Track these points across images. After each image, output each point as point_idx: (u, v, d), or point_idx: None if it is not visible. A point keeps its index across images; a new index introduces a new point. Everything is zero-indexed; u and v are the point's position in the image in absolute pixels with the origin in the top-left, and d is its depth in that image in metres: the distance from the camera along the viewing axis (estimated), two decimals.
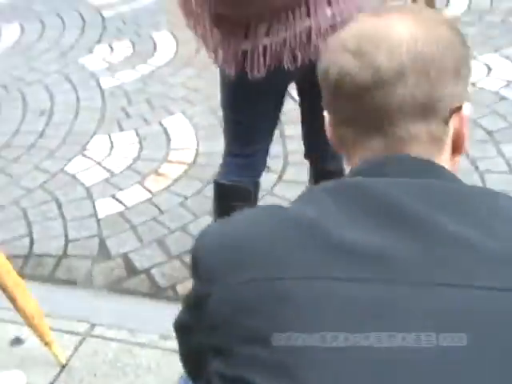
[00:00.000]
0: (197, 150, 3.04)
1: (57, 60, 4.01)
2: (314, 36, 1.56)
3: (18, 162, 3.07)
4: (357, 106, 0.75)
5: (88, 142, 3.18)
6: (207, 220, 2.58)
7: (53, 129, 3.32)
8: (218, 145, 3.03)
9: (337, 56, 0.75)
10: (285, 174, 2.81)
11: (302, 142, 3.02)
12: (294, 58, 1.58)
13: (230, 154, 1.95)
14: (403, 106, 0.73)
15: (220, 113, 3.20)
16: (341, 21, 1.56)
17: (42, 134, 3.28)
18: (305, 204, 0.76)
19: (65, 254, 2.53)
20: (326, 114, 0.82)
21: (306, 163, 2.82)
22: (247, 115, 1.78)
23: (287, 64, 1.58)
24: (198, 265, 0.78)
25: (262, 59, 1.58)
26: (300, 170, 2.80)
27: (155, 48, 4.04)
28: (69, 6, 4.77)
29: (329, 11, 1.57)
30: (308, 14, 1.55)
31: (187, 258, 2.45)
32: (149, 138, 3.16)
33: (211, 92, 3.47)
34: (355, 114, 0.76)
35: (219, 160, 2.93)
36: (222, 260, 0.75)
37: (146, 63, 3.87)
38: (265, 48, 1.58)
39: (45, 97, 3.61)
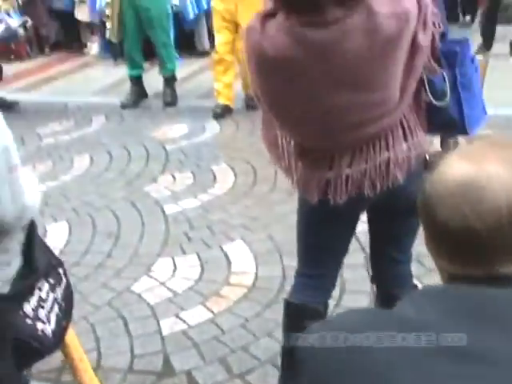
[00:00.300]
0: (256, 274, 3.19)
1: (123, 188, 4.31)
2: (392, 166, 1.75)
3: (87, 280, 3.25)
4: (466, 246, 0.85)
5: (153, 263, 3.36)
6: (268, 341, 2.69)
7: (119, 250, 3.53)
8: (276, 270, 3.22)
9: (447, 204, 0.85)
10: (342, 300, 2.92)
11: (357, 271, 3.16)
12: (374, 185, 1.77)
13: (301, 274, 2.09)
14: (507, 247, 0.84)
15: (277, 238, 3.44)
16: (415, 153, 1.78)
17: (109, 255, 3.48)
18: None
19: (131, 369, 2.63)
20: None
21: (363, 291, 2.95)
22: (323, 238, 1.94)
23: (367, 191, 1.77)
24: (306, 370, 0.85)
25: (344, 187, 1.77)
26: (356, 298, 2.92)
27: (215, 179, 4.32)
28: (134, 139, 5.18)
29: (404, 145, 1.77)
30: (387, 148, 1.75)
31: (249, 377, 2.53)
32: (210, 262, 3.33)
33: (268, 221, 3.70)
34: (461, 250, 0.87)
35: (277, 284, 3.10)
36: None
37: (207, 192, 4.13)
38: (347, 177, 1.77)
39: (112, 221, 3.85)
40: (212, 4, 5.46)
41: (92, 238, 3.67)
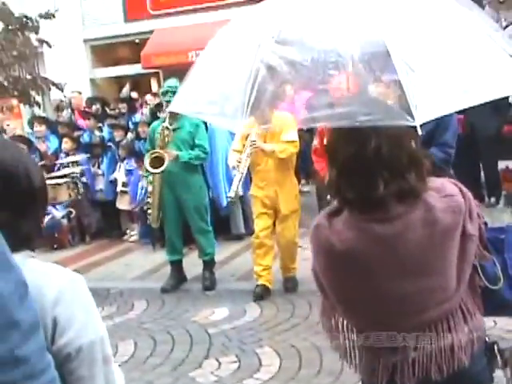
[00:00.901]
0: None
1: (169, 373, 4.32)
2: (456, 349, 1.82)
3: None
4: None
5: None
6: None
7: None
8: None
9: None
10: None
11: None
12: (440, 369, 1.82)
13: None
14: None
15: None
16: (476, 335, 1.85)
17: None
18: None
19: None
20: None
21: None
22: None
23: (434, 375, 1.82)
24: None
25: (411, 371, 1.82)
26: None
27: (260, 363, 4.32)
28: (177, 323, 5.26)
29: (466, 328, 1.85)
30: (449, 330, 1.83)
31: None
32: None
33: None
34: None
35: None
36: None
37: (252, 377, 4.11)
38: (413, 361, 1.83)
39: None
40: (252, 192, 5.79)
41: None
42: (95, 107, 10.52)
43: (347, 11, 1.71)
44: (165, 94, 6.03)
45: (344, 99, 1.79)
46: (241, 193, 7.08)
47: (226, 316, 5.35)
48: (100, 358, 1.51)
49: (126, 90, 11.77)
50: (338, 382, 3.85)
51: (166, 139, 5.94)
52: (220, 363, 4.40)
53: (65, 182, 7.70)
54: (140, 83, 14.34)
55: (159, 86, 13.15)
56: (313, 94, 1.80)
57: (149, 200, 6.46)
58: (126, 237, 8.62)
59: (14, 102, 12.08)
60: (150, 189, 6.40)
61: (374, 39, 1.64)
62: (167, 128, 5.93)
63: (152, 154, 5.97)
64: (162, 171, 5.93)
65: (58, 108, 11.36)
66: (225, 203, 7.49)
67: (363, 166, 1.75)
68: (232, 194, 5.61)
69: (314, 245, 1.88)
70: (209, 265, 6.24)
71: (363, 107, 1.72)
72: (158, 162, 5.94)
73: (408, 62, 1.61)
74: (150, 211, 6.41)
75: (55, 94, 12.94)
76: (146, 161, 6.03)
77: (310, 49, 1.70)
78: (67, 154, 8.64)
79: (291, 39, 1.74)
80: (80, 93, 11.67)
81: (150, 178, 6.22)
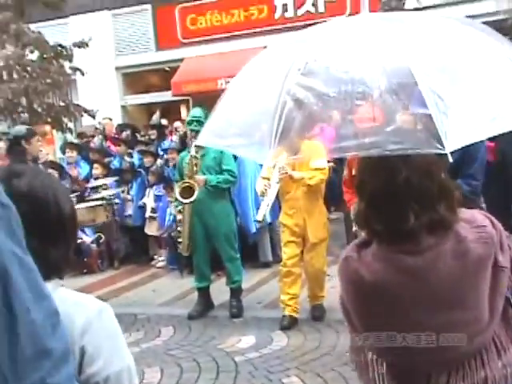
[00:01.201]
0: None
1: None
2: None
3: None
4: None
5: None
6: None
7: None
8: None
9: None
10: None
11: None
12: None
13: None
14: None
15: None
16: (510, 370, 1.80)
17: None
18: None
19: None
20: None
21: None
22: None
23: None
24: None
25: None
26: None
27: None
28: (203, 351, 5.24)
29: (500, 362, 1.81)
30: (483, 365, 1.79)
31: None
32: None
33: None
34: None
35: None
36: None
37: None
38: None
39: None
40: (281, 219, 5.78)
41: None
42: (125, 133, 10.67)
43: (373, 41, 1.72)
44: (190, 123, 6.08)
45: (372, 129, 1.78)
46: (269, 220, 7.09)
47: (252, 344, 5.31)
48: None
49: (156, 116, 11.92)
50: None
51: (195, 168, 5.99)
52: None
53: (101, 204, 7.81)
54: (170, 110, 14.52)
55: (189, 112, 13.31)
56: (341, 124, 1.80)
57: (179, 229, 6.48)
58: (153, 262, 8.65)
59: (47, 128, 12.33)
60: (179, 217, 6.42)
61: (400, 68, 1.64)
62: (195, 157, 5.97)
63: (182, 183, 6.02)
64: (192, 201, 5.96)
65: (82, 135, 11.60)
66: (253, 230, 7.49)
67: (392, 197, 1.73)
68: (260, 217, 5.60)
69: (343, 277, 1.86)
70: (236, 292, 6.23)
71: (392, 136, 1.71)
72: (188, 191, 5.98)
73: (436, 91, 1.60)
74: (180, 239, 6.43)
75: (87, 121, 13.17)
76: (177, 190, 6.07)
77: (336, 80, 1.71)
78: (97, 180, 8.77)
79: (317, 71, 1.75)
80: (111, 119, 11.87)
81: (180, 207, 6.25)
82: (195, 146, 5.86)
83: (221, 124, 1.99)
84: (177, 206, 6.48)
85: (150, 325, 6.13)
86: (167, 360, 5.13)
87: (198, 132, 5.47)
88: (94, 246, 8.69)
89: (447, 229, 1.74)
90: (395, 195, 1.73)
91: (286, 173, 5.36)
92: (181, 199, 6.03)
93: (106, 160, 9.43)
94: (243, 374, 4.67)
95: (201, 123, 5.67)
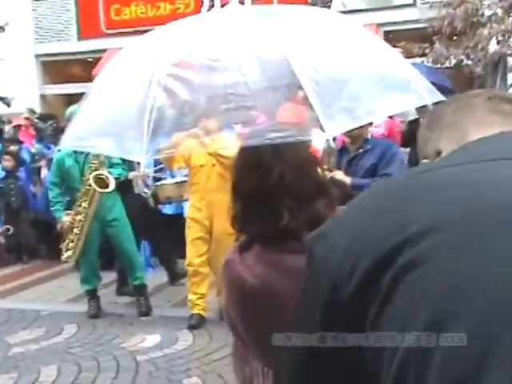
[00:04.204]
0: None
1: None
2: None
3: None
4: None
5: None
6: None
7: None
8: None
9: None
10: None
11: None
12: None
13: None
14: None
15: None
16: None
17: None
18: None
19: None
20: None
21: None
22: None
23: None
24: None
25: None
26: None
27: None
28: (105, 349, 5.07)
29: None
30: None
31: None
32: None
33: None
34: None
35: None
36: None
37: None
38: None
39: None
40: (188, 214, 5.51)
41: None
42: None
43: (245, 34, 1.66)
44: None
45: (251, 117, 1.72)
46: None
47: (157, 343, 5.18)
48: None
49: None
50: None
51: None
52: None
53: None
54: None
55: None
56: (218, 114, 1.73)
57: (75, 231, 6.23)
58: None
59: None
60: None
61: (276, 57, 1.58)
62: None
63: (96, 175, 5.84)
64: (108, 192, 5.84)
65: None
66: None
67: (267, 196, 1.65)
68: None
69: (226, 283, 1.74)
70: (141, 289, 6.09)
71: (272, 126, 1.65)
72: (100, 183, 5.84)
73: (316, 79, 1.57)
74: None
75: (2, 109, 12.64)
76: (92, 181, 5.86)
77: (209, 69, 1.64)
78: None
79: (189, 63, 1.67)
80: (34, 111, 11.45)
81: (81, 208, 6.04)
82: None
83: (84, 126, 1.90)
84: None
85: (53, 322, 5.89)
86: (66, 358, 4.93)
87: None
88: (1, 238, 8.37)
89: None
90: (270, 194, 1.65)
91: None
92: (99, 189, 5.78)
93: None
94: (143, 374, 4.54)
95: None
